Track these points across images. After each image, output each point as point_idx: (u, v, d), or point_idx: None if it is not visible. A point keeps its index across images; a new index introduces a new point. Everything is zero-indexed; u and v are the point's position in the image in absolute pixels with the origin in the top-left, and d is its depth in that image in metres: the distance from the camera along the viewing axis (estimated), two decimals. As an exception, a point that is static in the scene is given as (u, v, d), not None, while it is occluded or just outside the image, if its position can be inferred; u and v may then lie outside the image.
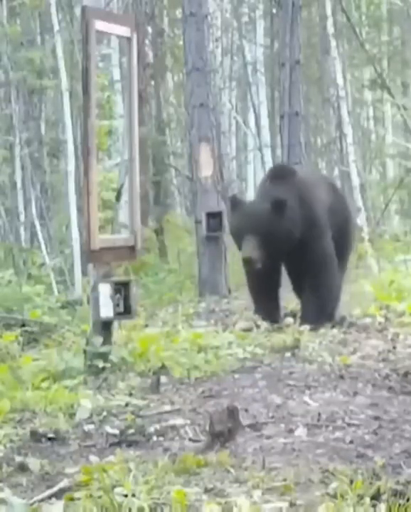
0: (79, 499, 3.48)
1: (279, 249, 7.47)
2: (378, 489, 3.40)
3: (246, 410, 4.75)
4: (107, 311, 5.87)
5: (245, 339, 6.83)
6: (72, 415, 4.85)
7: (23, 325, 7.66)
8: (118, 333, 6.45)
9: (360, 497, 3.37)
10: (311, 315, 7.53)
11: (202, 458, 3.89)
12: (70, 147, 12.50)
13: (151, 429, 4.48)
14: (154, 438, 4.39)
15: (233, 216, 7.93)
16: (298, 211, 7.52)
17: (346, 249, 8.37)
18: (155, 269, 14.10)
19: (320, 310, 7.64)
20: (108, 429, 4.55)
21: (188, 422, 4.62)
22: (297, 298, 8.18)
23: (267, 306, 7.82)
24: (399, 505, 3.29)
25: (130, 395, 5.30)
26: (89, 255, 5.88)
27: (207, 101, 10.88)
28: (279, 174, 7.89)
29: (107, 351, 5.81)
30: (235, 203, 7.79)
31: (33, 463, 3.98)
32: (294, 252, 7.59)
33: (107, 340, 5.89)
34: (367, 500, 3.34)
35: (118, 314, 6.00)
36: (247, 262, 7.49)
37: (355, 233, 8.73)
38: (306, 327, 7.15)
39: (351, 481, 3.50)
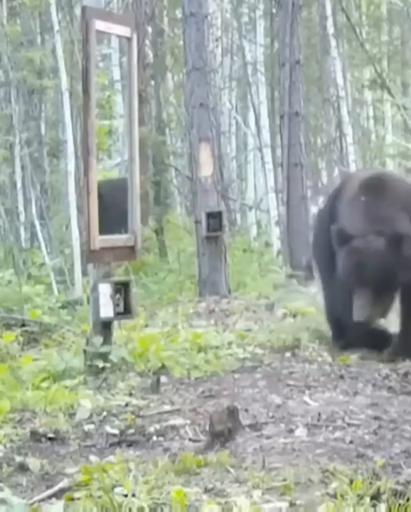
0: (79, 499, 3.48)
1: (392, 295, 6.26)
2: (378, 489, 3.40)
3: (246, 410, 4.75)
4: (107, 311, 5.87)
5: (245, 339, 6.83)
6: (72, 415, 4.85)
7: (23, 325, 7.66)
8: (118, 333, 6.45)
9: (360, 497, 3.37)
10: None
11: (202, 458, 3.90)
12: (70, 147, 12.51)
13: (151, 429, 4.48)
14: (154, 438, 4.39)
15: (347, 257, 6.27)
16: None
17: None
18: (155, 269, 14.11)
19: None
20: (108, 429, 4.55)
21: (188, 422, 4.62)
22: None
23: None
24: (399, 505, 3.29)
25: (130, 395, 5.30)
26: (89, 255, 5.88)
27: (207, 101, 10.87)
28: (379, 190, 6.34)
29: (107, 351, 5.81)
30: (345, 237, 6.20)
31: (33, 463, 3.98)
32: None
33: (107, 340, 5.89)
34: (367, 500, 3.34)
35: (118, 314, 6.00)
36: (364, 326, 6.27)
37: None
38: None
39: (351, 481, 3.50)
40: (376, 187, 6.34)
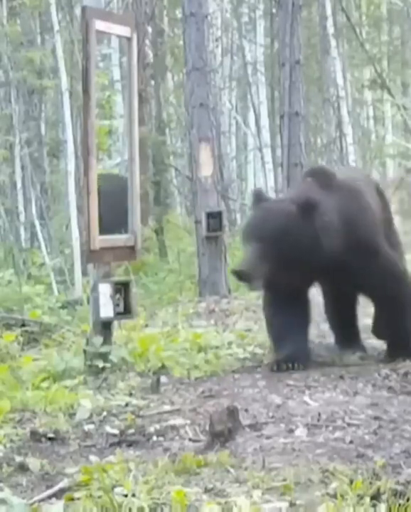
0: (79, 499, 3.48)
1: (298, 267, 5.79)
2: (378, 489, 3.40)
3: (246, 410, 4.75)
4: (107, 311, 5.87)
5: (245, 339, 6.83)
6: (72, 415, 4.85)
7: (23, 325, 7.67)
8: (118, 333, 6.45)
9: (360, 497, 3.37)
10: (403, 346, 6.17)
11: (202, 458, 3.90)
12: (70, 147, 12.51)
13: (151, 429, 4.48)
14: (154, 438, 4.39)
15: (250, 214, 6.41)
16: (336, 222, 5.89)
17: None
18: (155, 269, 14.11)
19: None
20: (108, 429, 4.55)
21: (188, 422, 4.62)
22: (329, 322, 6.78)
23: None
24: (399, 505, 3.29)
25: (130, 395, 5.30)
26: (89, 255, 5.88)
27: (207, 101, 10.87)
28: (319, 176, 6.25)
29: (107, 351, 5.81)
30: (259, 198, 6.10)
31: (33, 463, 3.98)
32: (338, 278, 6.08)
33: (107, 340, 5.89)
34: (367, 500, 3.34)
35: (118, 314, 6.00)
36: (239, 276, 5.79)
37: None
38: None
39: (351, 481, 3.50)
40: (319, 175, 6.23)
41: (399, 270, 6.18)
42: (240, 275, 5.76)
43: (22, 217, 13.87)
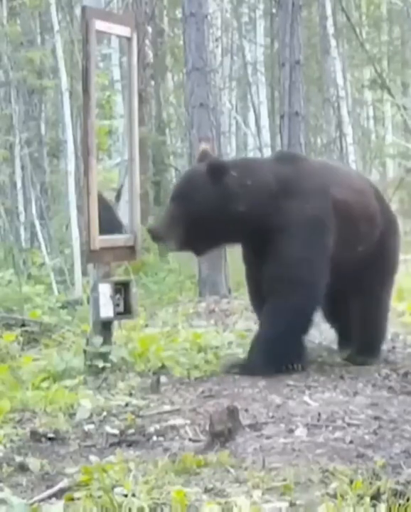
0: (79, 499, 3.48)
1: (203, 230, 5.74)
2: (378, 489, 3.41)
3: (246, 410, 4.75)
4: (107, 311, 5.87)
5: (245, 339, 6.82)
6: (72, 415, 4.85)
7: (23, 325, 7.66)
8: (118, 333, 6.45)
9: (360, 497, 3.37)
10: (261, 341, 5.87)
11: (202, 458, 3.90)
12: (70, 147, 12.49)
13: (151, 429, 4.48)
14: (154, 438, 4.39)
15: None
16: (258, 191, 5.79)
17: (383, 270, 6.37)
18: (155, 269, 14.09)
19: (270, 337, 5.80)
20: (108, 429, 4.55)
21: (188, 422, 4.62)
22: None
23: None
24: (399, 505, 3.29)
25: (130, 395, 5.30)
26: (89, 255, 5.88)
27: (207, 101, 10.87)
28: (283, 157, 6.31)
29: (107, 351, 5.81)
30: (201, 159, 6.08)
31: (33, 463, 3.98)
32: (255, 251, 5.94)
33: (107, 340, 5.89)
34: (367, 500, 3.34)
35: (118, 314, 6.00)
36: (152, 236, 5.88)
37: (398, 250, 6.54)
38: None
39: (351, 481, 3.50)
40: (286, 155, 6.36)
41: (299, 276, 5.75)
42: (153, 234, 5.86)
43: (22, 217, 13.84)
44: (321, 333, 6.83)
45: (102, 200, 5.99)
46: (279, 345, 5.71)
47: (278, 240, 5.75)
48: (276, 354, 5.70)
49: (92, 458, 4.05)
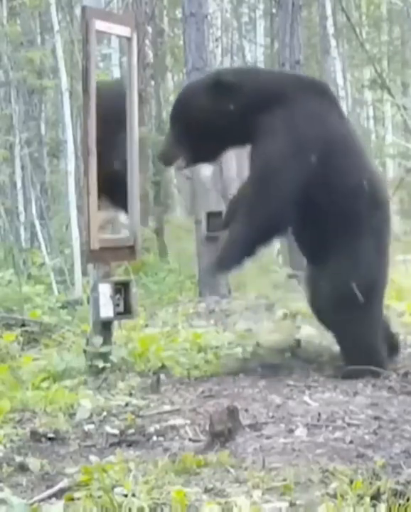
0: (79, 499, 3.48)
1: (209, 140, 5.67)
2: (378, 489, 3.40)
3: (246, 410, 4.75)
4: (107, 311, 5.87)
5: (245, 339, 6.82)
6: (72, 415, 4.85)
7: (23, 325, 7.65)
8: (118, 333, 6.45)
9: (360, 497, 3.37)
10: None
11: (202, 458, 3.90)
12: (70, 147, 12.48)
13: (151, 429, 4.48)
14: (154, 438, 4.39)
15: None
16: (262, 109, 5.56)
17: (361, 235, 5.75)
18: (155, 269, 14.09)
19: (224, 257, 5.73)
20: (108, 429, 4.55)
21: (188, 422, 4.62)
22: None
23: None
24: (399, 505, 3.28)
25: (130, 395, 5.30)
26: (89, 255, 5.88)
27: (208, 101, 10.86)
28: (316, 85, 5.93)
29: (107, 351, 5.81)
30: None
31: (33, 463, 3.98)
32: None
33: (107, 340, 5.89)
34: (367, 500, 3.33)
35: (118, 314, 6.00)
36: (161, 160, 5.97)
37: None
38: None
39: (351, 481, 3.50)
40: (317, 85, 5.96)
41: (259, 205, 5.60)
42: (163, 160, 5.90)
43: (22, 217, 13.83)
44: (321, 333, 6.83)
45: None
46: (250, 244, 5.63)
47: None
48: (246, 253, 5.64)
49: (92, 458, 4.05)
